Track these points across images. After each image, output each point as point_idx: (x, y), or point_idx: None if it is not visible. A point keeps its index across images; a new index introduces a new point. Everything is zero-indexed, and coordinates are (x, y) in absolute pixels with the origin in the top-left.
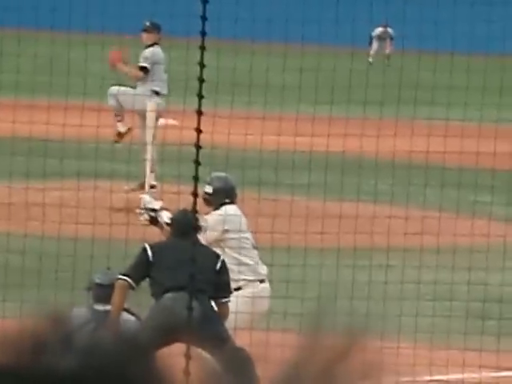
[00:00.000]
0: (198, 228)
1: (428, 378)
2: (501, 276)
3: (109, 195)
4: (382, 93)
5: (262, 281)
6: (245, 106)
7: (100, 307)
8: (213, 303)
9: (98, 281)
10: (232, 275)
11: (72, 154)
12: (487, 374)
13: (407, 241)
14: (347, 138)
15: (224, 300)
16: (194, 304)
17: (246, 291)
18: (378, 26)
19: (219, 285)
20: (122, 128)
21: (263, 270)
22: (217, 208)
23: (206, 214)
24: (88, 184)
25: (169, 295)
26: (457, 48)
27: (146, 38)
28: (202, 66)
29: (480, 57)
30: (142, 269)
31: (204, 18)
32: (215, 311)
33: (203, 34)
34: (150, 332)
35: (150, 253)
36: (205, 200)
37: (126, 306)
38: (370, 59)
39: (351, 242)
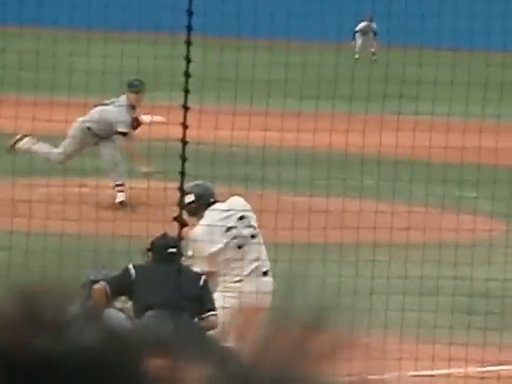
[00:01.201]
0: (179, 251)
1: (414, 372)
2: (486, 271)
3: (95, 192)
4: (367, 88)
5: (264, 274)
6: (231, 102)
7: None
8: (196, 320)
9: (92, 278)
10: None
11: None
12: (473, 369)
13: (393, 236)
14: (333, 134)
15: (209, 314)
16: (175, 321)
17: (246, 285)
18: (362, 21)
19: (202, 300)
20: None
21: (264, 264)
22: (201, 216)
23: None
24: (74, 181)
25: (150, 313)
26: (442, 43)
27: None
28: (188, 60)
29: (464, 52)
30: (122, 286)
31: (190, 13)
32: (198, 327)
33: (189, 28)
34: None
35: (132, 272)
36: (189, 212)
37: (119, 306)
38: (356, 56)
39: (338, 238)
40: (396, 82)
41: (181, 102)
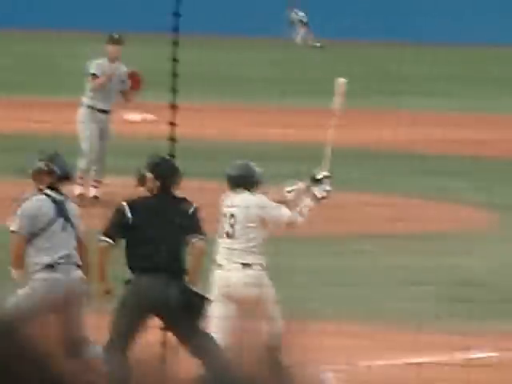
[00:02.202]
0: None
1: (400, 360)
2: (469, 260)
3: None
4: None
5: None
6: (216, 99)
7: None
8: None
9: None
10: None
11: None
12: (458, 356)
13: (379, 227)
14: (319, 128)
15: (198, 237)
16: (171, 285)
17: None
18: (294, 9)
19: (191, 225)
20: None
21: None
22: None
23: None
24: None
25: (146, 278)
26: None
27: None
28: (175, 60)
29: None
30: (120, 229)
31: (177, 15)
32: (191, 290)
33: (176, 29)
34: (120, 311)
35: (129, 214)
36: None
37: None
38: (318, 43)
39: (324, 230)
40: (380, 78)
41: (167, 101)
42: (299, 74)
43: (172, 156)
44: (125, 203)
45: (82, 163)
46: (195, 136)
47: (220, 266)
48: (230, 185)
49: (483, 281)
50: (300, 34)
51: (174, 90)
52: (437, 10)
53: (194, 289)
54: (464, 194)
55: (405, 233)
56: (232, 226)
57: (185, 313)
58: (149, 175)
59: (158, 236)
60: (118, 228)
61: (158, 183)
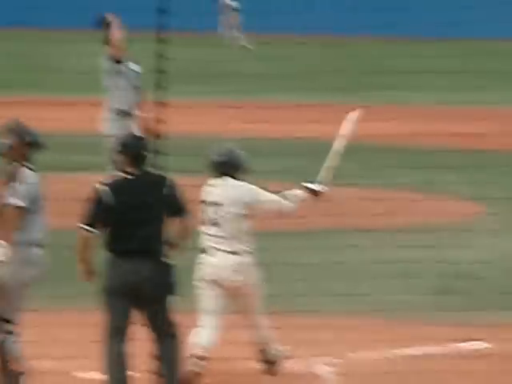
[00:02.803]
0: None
1: (390, 353)
2: (458, 252)
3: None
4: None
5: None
6: (205, 96)
7: None
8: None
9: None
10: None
11: None
12: (447, 347)
13: (367, 221)
14: (307, 124)
15: (180, 217)
16: (150, 265)
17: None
18: None
19: (171, 204)
20: None
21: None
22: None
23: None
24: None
25: (125, 259)
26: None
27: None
28: (160, 57)
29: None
30: (101, 214)
31: (162, 12)
32: (168, 267)
33: (161, 27)
34: (107, 302)
35: (108, 197)
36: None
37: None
38: (250, 46)
39: (311, 224)
40: (371, 72)
41: (155, 98)
42: (287, 68)
43: (156, 153)
44: (100, 186)
45: None
46: (185, 133)
47: (207, 252)
48: (215, 171)
49: (472, 273)
50: (229, 29)
51: (159, 87)
52: (422, 4)
53: (170, 269)
54: (452, 187)
55: (392, 226)
56: (216, 213)
57: (159, 293)
58: (119, 156)
59: (136, 218)
60: (96, 213)
61: (128, 160)
